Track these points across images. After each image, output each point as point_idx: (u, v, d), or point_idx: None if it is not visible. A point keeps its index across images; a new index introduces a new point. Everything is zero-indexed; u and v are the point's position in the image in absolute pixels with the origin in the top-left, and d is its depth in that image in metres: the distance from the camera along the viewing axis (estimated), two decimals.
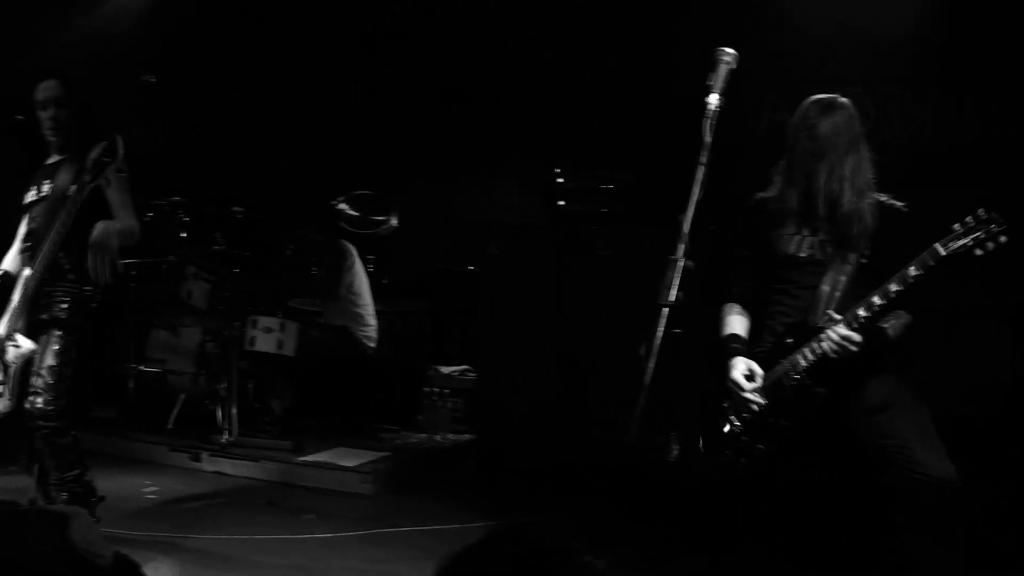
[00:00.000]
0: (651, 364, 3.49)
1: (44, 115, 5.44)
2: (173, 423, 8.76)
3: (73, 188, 5.12)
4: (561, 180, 8.20)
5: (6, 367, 5.16)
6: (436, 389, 9.08)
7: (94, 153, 5.05)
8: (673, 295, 3.62)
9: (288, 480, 7.67)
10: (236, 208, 9.16)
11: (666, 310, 3.60)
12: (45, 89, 5.43)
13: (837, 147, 4.34)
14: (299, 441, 8.11)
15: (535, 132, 9.37)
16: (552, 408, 7.69)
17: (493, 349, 8.17)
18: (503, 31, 9.57)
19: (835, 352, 4.15)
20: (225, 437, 8.22)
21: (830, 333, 4.15)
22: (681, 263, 3.66)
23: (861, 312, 4.12)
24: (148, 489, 7.32)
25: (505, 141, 9.73)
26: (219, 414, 8.35)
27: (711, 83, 3.94)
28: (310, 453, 8.01)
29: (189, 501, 7.12)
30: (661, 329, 3.56)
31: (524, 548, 1.91)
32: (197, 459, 8.05)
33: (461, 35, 9.76)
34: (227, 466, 7.95)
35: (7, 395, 5.16)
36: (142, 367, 8.90)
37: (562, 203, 8.18)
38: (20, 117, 5.54)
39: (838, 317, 4.15)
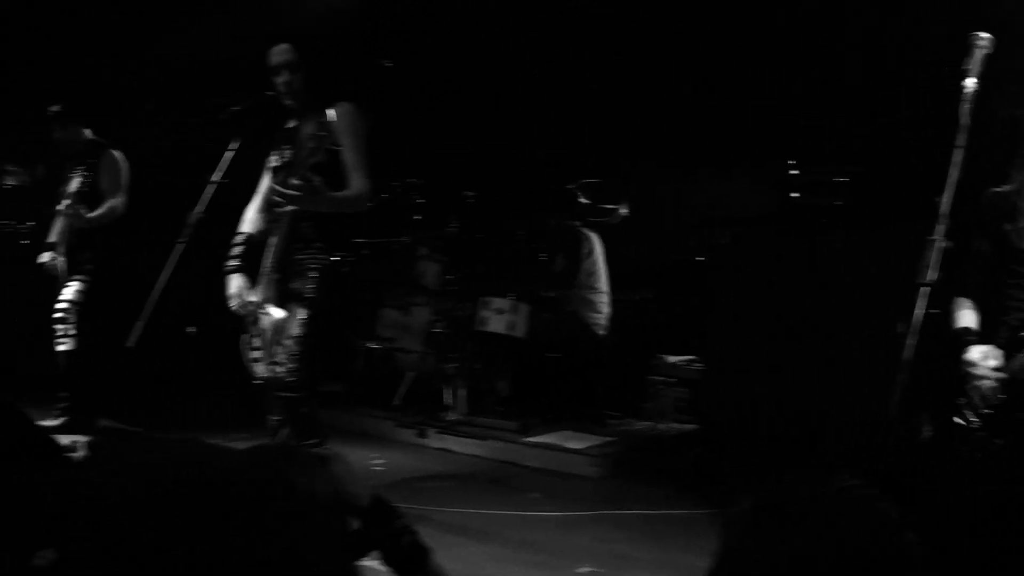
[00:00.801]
0: (910, 343, 3.42)
1: (278, 80, 5.51)
2: (400, 400, 8.94)
3: (305, 154, 5.26)
4: (795, 172, 8.06)
5: (261, 334, 5.33)
6: (662, 378, 9.03)
7: (315, 125, 5.18)
8: (933, 275, 3.54)
9: (513, 460, 7.73)
10: (468, 192, 9.29)
11: (925, 290, 3.52)
12: (278, 54, 5.50)
13: None
14: (525, 422, 8.17)
15: (770, 123, 9.23)
16: (779, 400, 7.56)
17: (721, 340, 8.07)
18: (742, 24, 9.45)
19: None
20: (452, 415, 8.35)
21: None
22: (941, 244, 3.58)
23: None
24: (376, 462, 7.49)
25: (739, 131, 9.60)
26: (446, 393, 8.48)
27: (967, 67, 3.88)
28: (536, 434, 8.06)
29: (416, 475, 7.25)
30: (921, 309, 3.48)
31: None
32: (423, 436, 8.22)
33: (695, 29, 9.68)
34: (453, 444, 8.09)
35: (263, 360, 5.32)
36: (371, 344, 9.11)
37: (796, 195, 8.04)
38: (270, 93, 5.65)
39: None
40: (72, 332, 7.41)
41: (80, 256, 7.55)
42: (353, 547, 3.06)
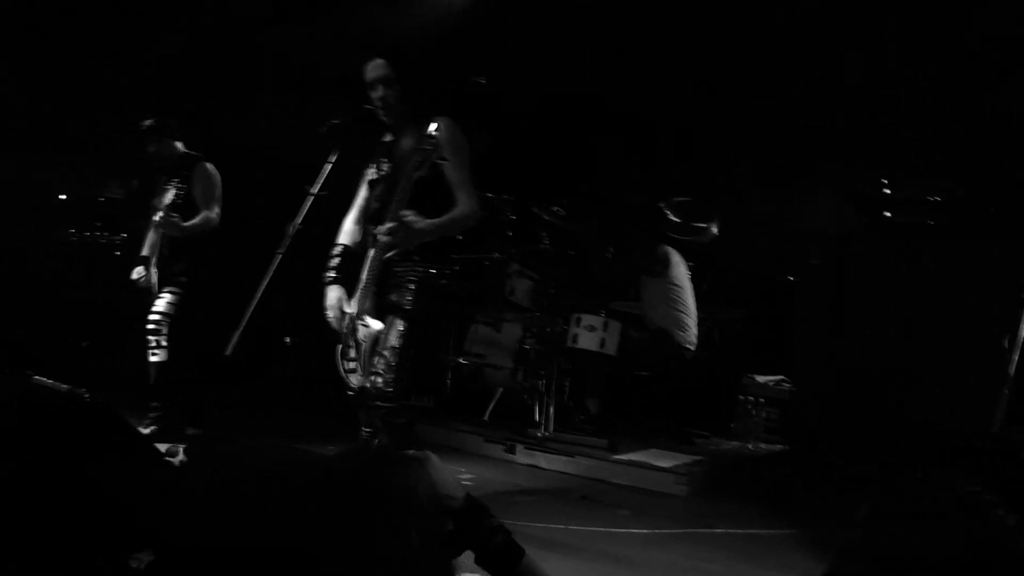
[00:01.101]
0: (1014, 357, 3.40)
1: (373, 95, 5.54)
2: (489, 416, 8.98)
3: (409, 169, 5.29)
4: (888, 191, 8.00)
5: (358, 344, 5.37)
6: (750, 397, 8.99)
7: (417, 139, 5.21)
8: None
9: (602, 477, 7.73)
10: (557, 208, 9.31)
11: None
12: (373, 69, 5.51)
13: None
14: (614, 440, 8.16)
15: (862, 140, 9.15)
16: (868, 421, 7.49)
17: (810, 360, 8.02)
18: (829, 41, 9.39)
19: None
20: (541, 432, 8.37)
21: None
22: None
23: None
24: (464, 476, 7.51)
25: (830, 149, 9.53)
26: (536, 409, 8.50)
27: None
28: (624, 452, 8.06)
29: (505, 490, 7.27)
30: None
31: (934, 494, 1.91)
32: (512, 451, 8.24)
33: (784, 44, 9.62)
34: (542, 460, 8.09)
35: (359, 371, 5.36)
36: (461, 360, 9.17)
37: (888, 214, 7.97)
38: (368, 107, 5.70)
39: None
40: (164, 343, 7.54)
41: (173, 267, 7.68)
42: (448, 547, 3.10)
